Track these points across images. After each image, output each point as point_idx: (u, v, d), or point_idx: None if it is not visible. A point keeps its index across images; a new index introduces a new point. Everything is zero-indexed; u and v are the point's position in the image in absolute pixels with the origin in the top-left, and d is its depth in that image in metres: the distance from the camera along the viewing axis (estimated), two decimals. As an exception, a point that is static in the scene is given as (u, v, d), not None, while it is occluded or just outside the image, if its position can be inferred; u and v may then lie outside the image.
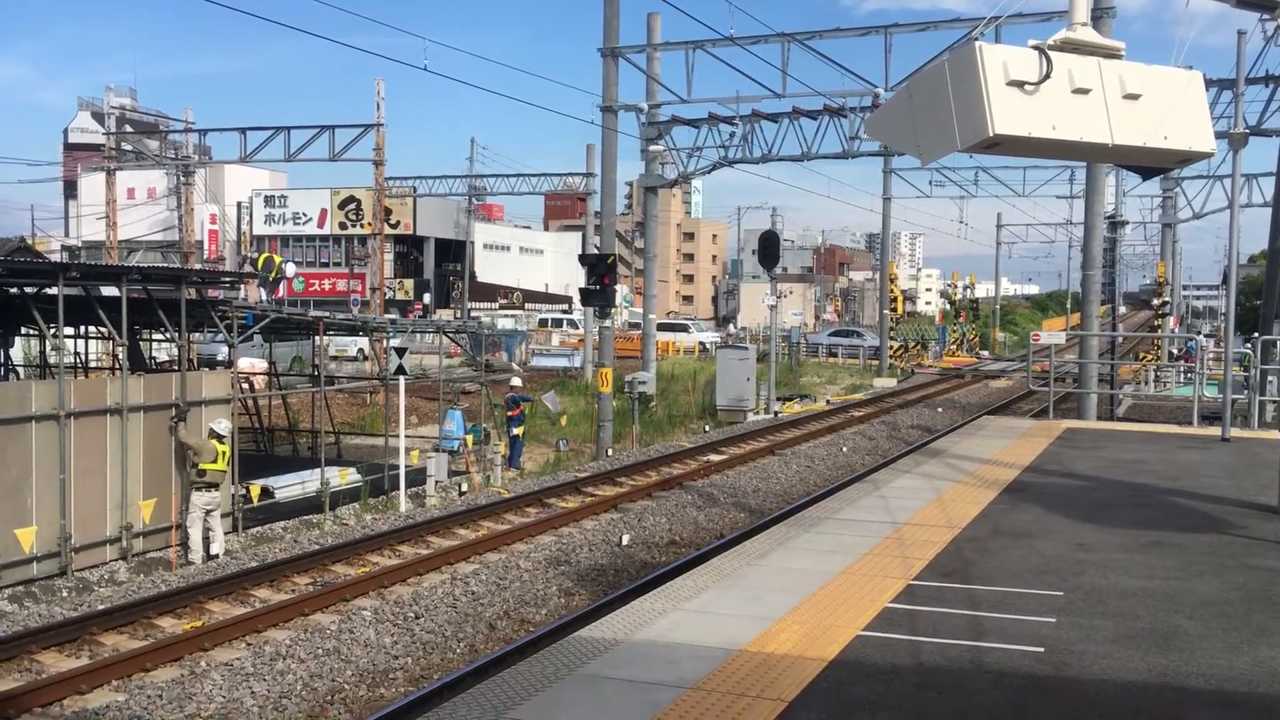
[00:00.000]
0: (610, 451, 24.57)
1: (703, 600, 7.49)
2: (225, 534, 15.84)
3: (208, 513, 15.46)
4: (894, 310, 52.44)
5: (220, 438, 15.67)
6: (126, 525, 15.06)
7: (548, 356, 49.08)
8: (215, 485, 15.53)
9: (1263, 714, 5.57)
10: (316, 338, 24.16)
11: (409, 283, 69.36)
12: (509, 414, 24.16)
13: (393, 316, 36.74)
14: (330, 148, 38.49)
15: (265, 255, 31.59)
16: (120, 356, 16.83)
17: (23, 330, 23.47)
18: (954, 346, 65.35)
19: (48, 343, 21.62)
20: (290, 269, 35.11)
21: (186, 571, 14.13)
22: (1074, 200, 54.20)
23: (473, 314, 61.56)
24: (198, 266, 45.84)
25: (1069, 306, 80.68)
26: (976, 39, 7.52)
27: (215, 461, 15.50)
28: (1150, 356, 42.37)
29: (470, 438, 22.80)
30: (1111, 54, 7.56)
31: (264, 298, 28.37)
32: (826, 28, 27.99)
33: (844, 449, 25.16)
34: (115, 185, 47.68)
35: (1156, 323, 47.49)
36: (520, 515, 17.13)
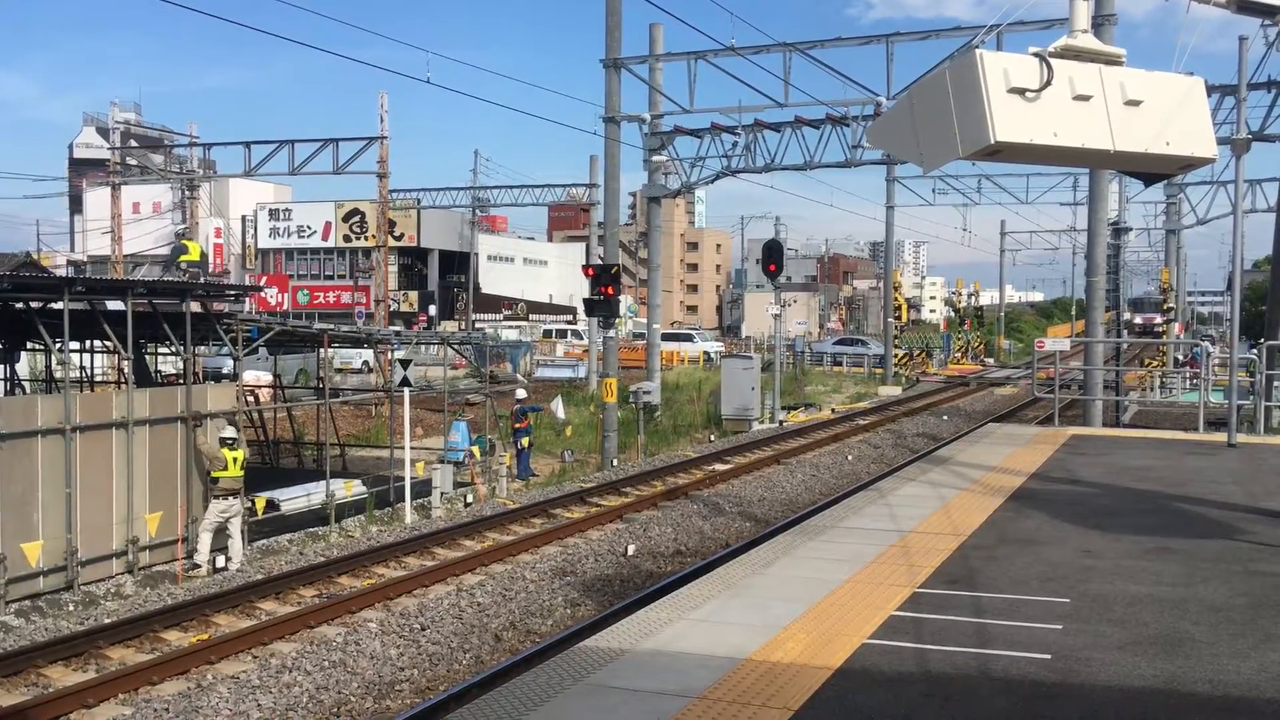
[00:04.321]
0: (615, 462, 24.56)
1: (708, 609, 7.48)
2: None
3: (226, 520, 15.51)
4: (898, 318, 52.43)
5: (229, 444, 15.83)
6: (133, 539, 15.08)
7: (552, 367, 49.10)
8: (231, 493, 15.60)
9: (1269, 719, 5.55)
10: (321, 350, 24.20)
11: (413, 295, 69.49)
12: (515, 426, 24.17)
13: (397, 329, 36.78)
14: (334, 161, 38.64)
15: (184, 239, 31.71)
16: (126, 370, 16.87)
17: (29, 345, 23.52)
18: (959, 354, 65.28)
19: (53, 357, 21.68)
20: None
21: (192, 585, 14.14)
22: (1077, 207, 54.28)
23: (477, 325, 61.65)
24: (202, 280, 45.95)
25: (1073, 313, 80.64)
26: (977, 47, 7.53)
27: (226, 469, 15.61)
28: (1156, 363, 42.32)
29: (476, 449, 22.81)
30: (1112, 60, 7.56)
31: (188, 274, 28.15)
32: (828, 37, 28.08)
33: (849, 457, 25.14)
34: (120, 200, 47.85)
35: (1161, 329, 47.43)
36: (526, 526, 17.12)
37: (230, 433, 16.05)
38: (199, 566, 15.39)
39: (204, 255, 31.64)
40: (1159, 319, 53.96)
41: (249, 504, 17.17)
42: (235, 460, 15.75)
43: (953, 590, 7.88)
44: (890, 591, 7.86)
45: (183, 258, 28.85)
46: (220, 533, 15.65)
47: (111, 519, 14.90)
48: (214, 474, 15.62)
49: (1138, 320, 51.37)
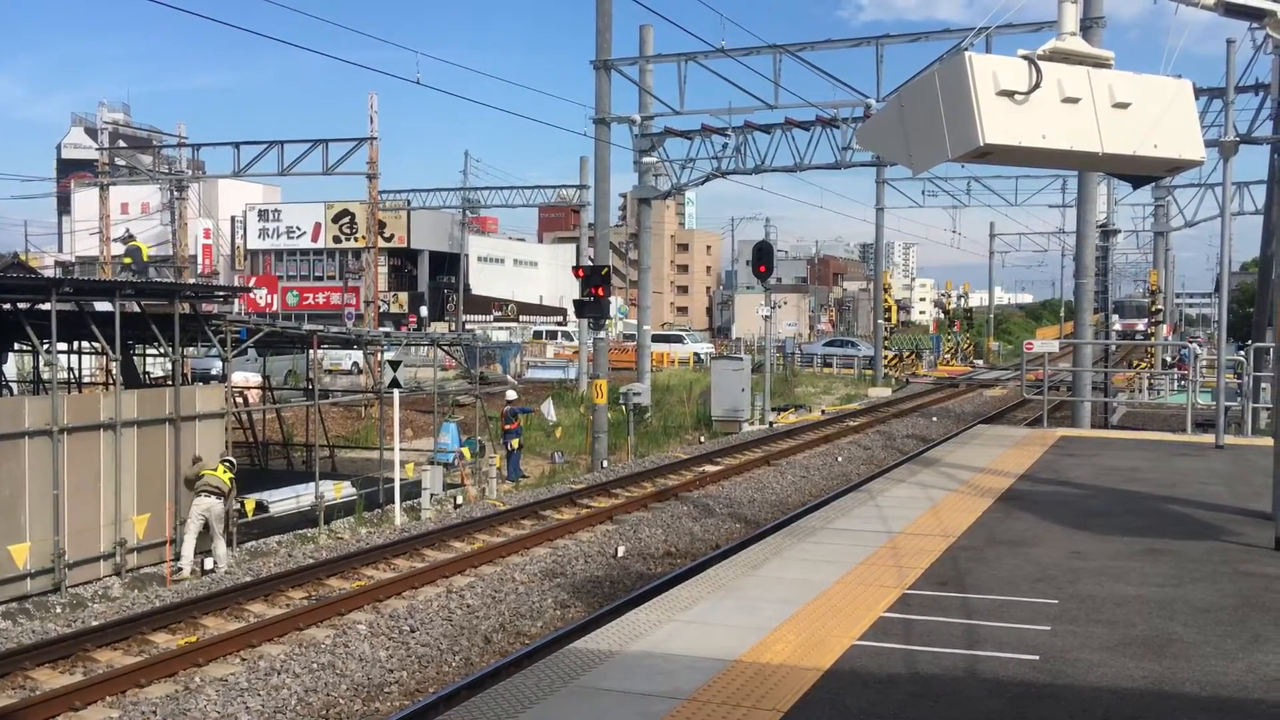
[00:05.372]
0: (605, 463, 24.54)
1: (698, 611, 7.48)
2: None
3: (207, 522, 15.45)
4: (888, 320, 52.49)
5: (228, 464, 16.07)
6: (120, 541, 15.01)
7: (543, 368, 49.07)
8: (212, 492, 15.52)
9: (1257, 719, 5.58)
10: (311, 351, 24.13)
11: (403, 296, 69.32)
12: (505, 427, 24.15)
13: (387, 330, 36.72)
14: (324, 162, 38.48)
15: (131, 244, 31.89)
16: (114, 372, 16.82)
17: (16, 346, 23.41)
18: (948, 356, 65.45)
19: (41, 358, 21.58)
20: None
21: (180, 587, 14.09)
22: (1066, 209, 54.38)
23: (467, 327, 61.52)
24: (191, 281, 45.80)
25: (1062, 315, 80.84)
26: (967, 49, 7.55)
27: (215, 470, 15.63)
28: (1143, 365, 42.44)
29: (466, 450, 22.77)
30: (1101, 63, 7.60)
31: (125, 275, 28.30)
32: (818, 39, 28.06)
33: (839, 459, 25.17)
34: (109, 200, 47.67)
35: (1150, 330, 47.52)
36: (515, 528, 17.10)
37: (231, 458, 16.36)
38: (182, 559, 15.33)
39: (150, 258, 33.04)
40: (1142, 325, 53.14)
41: (238, 505, 17.13)
42: (222, 470, 15.71)
43: (942, 592, 7.89)
44: (880, 593, 7.86)
45: (127, 259, 29.11)
46: (205, 536, 15.59)
47: (99, 521, 14.84)
48: (202, 470, 15.68)
49: (1118, 326, 48.82)
